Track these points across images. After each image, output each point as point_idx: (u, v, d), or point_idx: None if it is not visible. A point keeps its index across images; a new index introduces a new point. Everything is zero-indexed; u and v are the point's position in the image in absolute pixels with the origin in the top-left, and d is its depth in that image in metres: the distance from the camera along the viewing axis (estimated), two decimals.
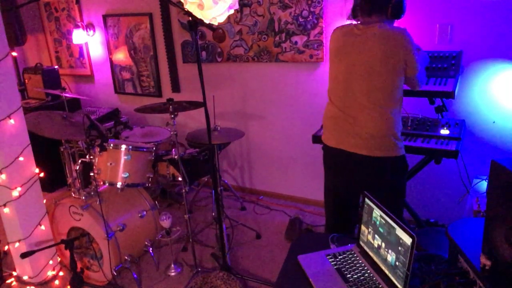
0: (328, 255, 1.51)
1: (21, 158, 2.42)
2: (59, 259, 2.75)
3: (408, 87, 2.07)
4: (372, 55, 1.88)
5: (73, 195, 2.59)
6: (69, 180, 2.93)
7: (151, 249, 2.70)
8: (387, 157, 1.97)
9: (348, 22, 2.75)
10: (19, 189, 2.43)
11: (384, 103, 1.92)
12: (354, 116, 1.98)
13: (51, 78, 3.93)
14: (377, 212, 1.44)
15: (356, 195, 2.14)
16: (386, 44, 1.86)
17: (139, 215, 2.69)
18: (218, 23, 2.16)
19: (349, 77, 1.97)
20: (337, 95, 2.06)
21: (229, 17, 2.41)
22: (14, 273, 2.66)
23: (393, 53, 1.86)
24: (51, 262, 2.66)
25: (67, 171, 3.02)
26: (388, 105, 1.93)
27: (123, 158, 2.52)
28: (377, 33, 1.88)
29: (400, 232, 1.29)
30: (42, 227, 2.59)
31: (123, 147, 2.52)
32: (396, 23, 2.03)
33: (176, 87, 3.79)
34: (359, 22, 2.01)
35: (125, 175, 2.52)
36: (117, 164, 2.52)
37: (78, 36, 3.99)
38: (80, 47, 4.19)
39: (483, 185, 2.22)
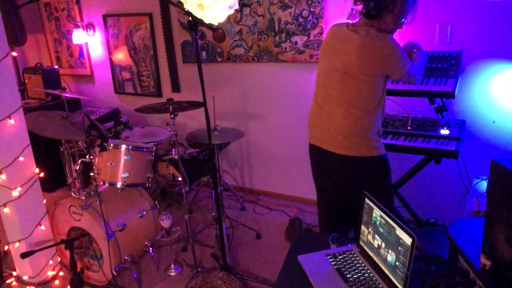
0: (328, 255, 1.51)
1: (21, 158, 2.42)
2: (59, 259, 2.75)
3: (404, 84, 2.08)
4: (349, 59, 1.87)
5: (73, 195, 2.59)
6: (69, 180, 2.93)
7: (151, 249, 2.70)
8: (361, 157, 1.97)
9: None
10: (19, 189, 2.43)
11: (358, 104, 1.92)
12: (329, 114, 2.00)
13: (51, 78, 3.93)
14: (377, 212, 1.44)
15: (341, 194, 2.14)
16: (364, 53, 1.84)
17: (139, 215, 2.70)
18: (218, 23, 2.17)
19: (328, 75, 1.99)
20: (318, 91, 2.09)
21: (229, 17, 2.40)
22: (14, 273, 2.66)
23: (369, 62, 1.85)
24: (51, 262, 2.66)
25: (67, 171, 3.02)
26: (362, 106, 1.92)
27: (123, 158, 2.52)
28: (360, 39, 1.85)
29: (400, 232, 1.29)
30: (42, 227, 2.59)
31: (123, 147, 2.52)
32: None
33: (176, 87, 3.79)
34: (355, 21, 2.00)
35: (125, 175, 2.52)
36: (117, 164, 2.52)
37: (78, 36, 3.99)
38: (80, 47, 4.19)
39: (483, 185, 2.22)
